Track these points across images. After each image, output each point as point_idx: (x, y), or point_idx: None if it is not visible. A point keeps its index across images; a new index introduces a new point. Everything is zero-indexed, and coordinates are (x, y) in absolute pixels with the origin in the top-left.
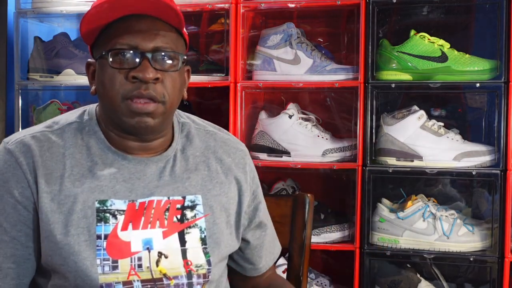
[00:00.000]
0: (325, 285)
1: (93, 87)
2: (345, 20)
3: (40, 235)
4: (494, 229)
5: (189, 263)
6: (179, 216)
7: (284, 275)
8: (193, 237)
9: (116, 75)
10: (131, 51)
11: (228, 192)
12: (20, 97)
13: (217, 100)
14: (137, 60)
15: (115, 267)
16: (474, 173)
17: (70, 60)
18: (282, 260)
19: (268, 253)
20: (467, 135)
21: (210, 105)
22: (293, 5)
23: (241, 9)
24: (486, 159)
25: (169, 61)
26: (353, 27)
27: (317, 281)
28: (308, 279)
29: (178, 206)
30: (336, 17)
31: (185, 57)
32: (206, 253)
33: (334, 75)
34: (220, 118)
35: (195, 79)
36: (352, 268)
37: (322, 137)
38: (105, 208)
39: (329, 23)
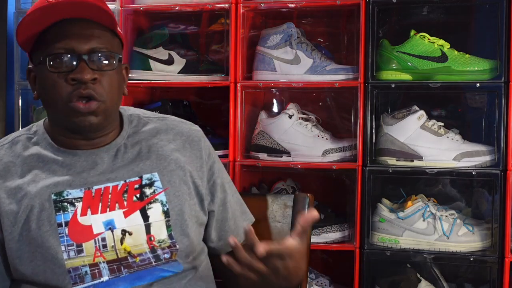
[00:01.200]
0: (325, 285)
1: (35, 92)
2: (345, 20)
3: (5, 247)
4: (494, 229)
5: (152, 238)
6: (138, 195)
7: None
8: (155, 211)
9: (56, 79)
10: (68, 55)
11: (184, 166)
12: (20, 97)
13: (217, 100)
14: (74, 62)
15: (80, 251)
16: (474, 173)
17: None
18: None
19: (235, 228)
20: (467, 135)
21: (210, 105)
22: (293, 5)
23: (241, 9)
24: (486, 159)
25: (105, 61)
26: (353, 27)
27: (317, 281)
28: (308, 279)
29: (136, 186)
30: (336, 17)
31: (121, 56)
32: (168, 226)
33: (334, 75)
34: (220, 118)
35: (195, 79)
36: (352, 268)
37: (322, 137)
38: (61, 198)
39: (329, 23)
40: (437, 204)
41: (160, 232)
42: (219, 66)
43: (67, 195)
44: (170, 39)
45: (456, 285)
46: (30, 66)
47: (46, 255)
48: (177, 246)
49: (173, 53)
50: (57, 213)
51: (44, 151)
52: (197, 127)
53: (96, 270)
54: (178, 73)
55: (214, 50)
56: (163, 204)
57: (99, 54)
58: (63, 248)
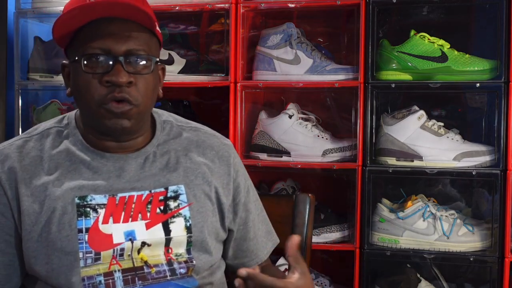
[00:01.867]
0: (325, 285)
1: (69, 89)
2: (345, 20)
3: (22, 242)
4: (494, 229)
5: (170, 250)
6: (162, 207)
7: None
8: (177, 226)
9: (90, 80)
10: (104, 55)
11: (211, 182)
12: (20, 97)
13: (217, 100)
14: (110, 64)
15: (97, 259)
16: (474, 173)
17: None
18: (282, 260)
19: (255, 249)
20: (467, 135)
21: (210, 105)
22: (293, 5)
23: (241, 9)
24: (486, 159)
25: (142, 64)
26: (353, 27)
27: (317, 281)
28: None
29: (161, 198)
30: (336, 17)
31: (158, 60)
32: (189, 242)
33: (334, 75)
34: (220, 118)
35: (195, 79)
36: (352, 268)
37: (322, 137)
38: (85, 203)
39: (329, 23)
40: (437, 204)
41: (179, 246)
42: (219, 66)
43: (90, 200)
44: (170, 39)
45: (456, 285)
46: (64, 62)
47: (63, 260)
48: (194, 262)
49: (173, 53)
50: (79, 218)
51: (73, 147)
52: (228, 142)
53: (110, 280)
54: (178, 73)
55: (214, 50)
56: (186, 220)
57: (136, 57)
58: (81, 255)
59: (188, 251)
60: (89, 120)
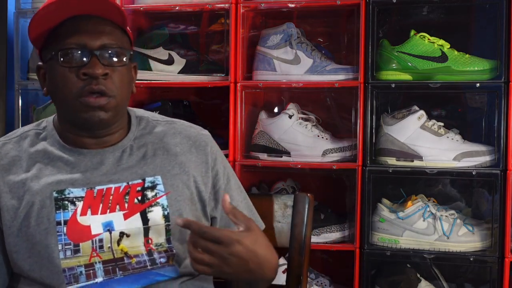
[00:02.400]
0: (325, 285)
1: (45, 89)
2: (345, 20)
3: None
4: (494, 229)
5: (150, 241)
6: (139, 198)
7: (284, 275)
8: (155, 215)
9: (67, 74)
10: (80, 50)
11: (189, 171)
12: (20, 97)
13: (217, 100)
14: (85, 58)
15: (76, 251)
16: (474, 173)
17: None
18: (282, 260)
19: None
20: (467, 135)
21: (210, 105)
22: (293, 5)
23: (241, 9)
24: (486, 159)
25: (116, 57)
26: (353, 27)
27: (317, 281)
28: (308, 279)
29: (138, 188)
30: (336, 17)
31: (131, 53)
32: (167, 231)
33: (334, 75)
34: (220, 118)
35: (195, 79)
36: (352, 268)
37: (322, 137)
38: (63, 196)
39: (329, 23)
40: (437, 204)
41: (158, 236)
42: (219, 66)
43: (68, 193)
44: (170, 39)
45: (456, 285)
46: (40, 63)
47: (42, 253)
48: (174, 251)
49: (173, 53)
50: (57, 211)
51: (51, 147)
52: (205, 132)
53: (91, 271)
54: (178, 73)
55: (214, 50)
56: (163, 208)
57: (110, 50)
58: (60, 247)
59: (168, 240)
60: (66, 115)
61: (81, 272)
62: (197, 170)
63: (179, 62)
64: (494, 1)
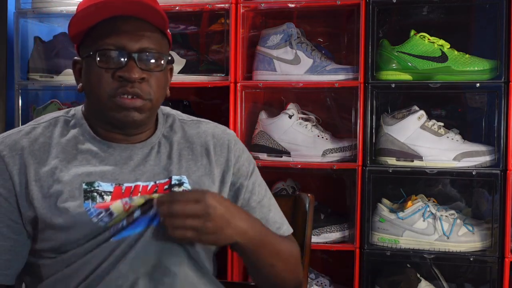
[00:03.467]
0: (325, 285)
1: (80, 85)
2: (345, 20)
3: (26, 227)
4: (494, 229)
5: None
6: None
7: None
8: None
9: (103, 74)
10: (118, 51)
11: (212, 171)
12: (20, 97)
13: (217, 100)
14: (123, 60)
15: (110, 214)
16: (474, 173)
17: (70, 60)
18: None
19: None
20: (467, 135)
21: (210, 105)
22: (293, 5)
23: (241, 9)
24: (486, 159)
25: (154, 62)
26: (353, 27)
27: (317, 281)
28: (308, 279)
29: (166, 187)
30: (336, 17)
31: (169, 58)
32: None
33: (334, 75)
34: (220, 118)
35: (195, 79)
36: (352, 268)
37: (322, 137)
38: (92, 188)
39: (329, 23)
40: (437, 204)
41: None
42: (219, 66)
43: (98, 186)
44: None
45: (456, 285)
46: (76, 58)
47: (81, 230)
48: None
49: (173, 53)
50: (86, 201)
51: (81, 137)
52: (230, 131)
53: (131, 219)
54: (178, 73)
55: (214, 50)
56: None
57: (148, 54)
58: (95, 220)
59: None
60: (99, 114)
61: (123, 224)
62: (219, 169)
63: (179, 62)
64: (494, 1)
